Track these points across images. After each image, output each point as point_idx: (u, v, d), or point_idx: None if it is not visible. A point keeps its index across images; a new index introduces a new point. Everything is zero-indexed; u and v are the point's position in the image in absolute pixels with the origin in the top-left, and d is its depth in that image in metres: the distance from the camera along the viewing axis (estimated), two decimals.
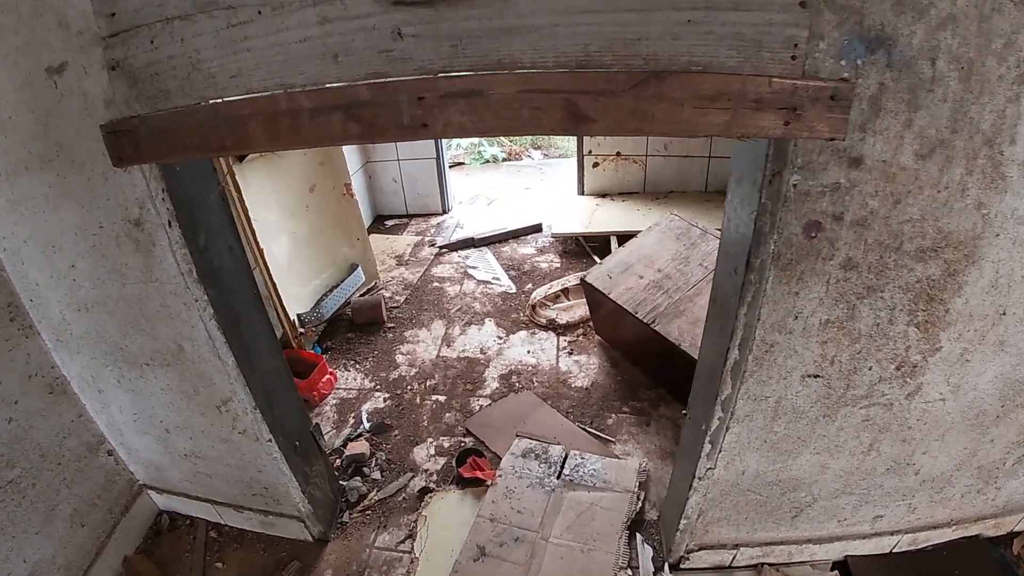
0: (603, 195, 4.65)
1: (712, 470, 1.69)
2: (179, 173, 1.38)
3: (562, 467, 2.45)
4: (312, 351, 3.19)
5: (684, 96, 1.04)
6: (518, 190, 5.42)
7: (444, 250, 4.29)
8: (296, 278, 3.27)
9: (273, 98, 1.12)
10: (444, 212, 4.93)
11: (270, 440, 1.81)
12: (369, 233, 4.55)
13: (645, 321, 2.60)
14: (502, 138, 6.56)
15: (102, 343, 1.75)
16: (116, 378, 1.84)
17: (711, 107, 1.05)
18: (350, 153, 4.47)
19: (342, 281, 3.48)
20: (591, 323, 3.32)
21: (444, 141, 4.79)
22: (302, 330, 3.15)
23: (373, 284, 3.84)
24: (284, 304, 2.95)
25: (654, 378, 2.92)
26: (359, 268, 3.61)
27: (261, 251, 2.79)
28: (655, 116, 1.06)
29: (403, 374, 3.08)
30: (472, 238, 4.32)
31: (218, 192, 1.53)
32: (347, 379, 3.08)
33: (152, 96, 1.20)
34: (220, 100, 1.16)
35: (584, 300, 3.43)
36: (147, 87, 1.19)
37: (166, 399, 1.90)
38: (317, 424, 2.07)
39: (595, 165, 4.60)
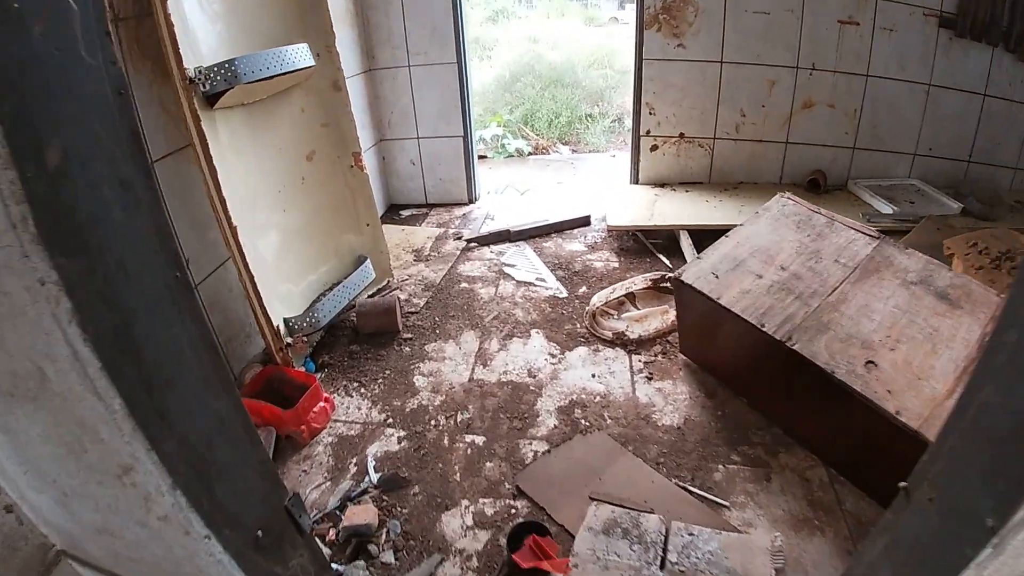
0: (661, 184, 3.87)
1: None
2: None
3: (665, 550, 1.65)
4: (302, 368, 2.42)
5: None
6: (550, 184, 4.65)
7: (473, 244, 3.52)
8: (285, 271, 2.51)
9: None
10: (471, 202, 4.16)
11: (207, 537, 1.03)
12: (382, 224, 3.80)
13: (778, 338, 1.81)
14: (528, 131, 5.83)
15: None
16: None
17: None
18: (361, 130, 3.73)
19: (345, 278, 2.71)
20: (670, 338, 2.53)
21: (472, 139, 4.03)
22: (290, 340, 2.37)
23: (385, 283, 3.07)
24: (265, 305, 2.19)
25: (768, 413, 2.12)
26: (368, 262, 2.84)
27: (234, 230, 2.02)
28: None
29: (424, 403, 2.30)
30: (508, 230, 3.54)
31: (108, 63, 0.76)
32: (348, 408, 2.30)
33: None
34: None
35: (658, 308, 2.64)
36: None
37: (48, 451, 1.13)
38: (296, 495, 1.28)
39: (653, 148, 3.83)
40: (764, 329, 1.84)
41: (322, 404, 2.22)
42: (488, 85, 6.73)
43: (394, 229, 3.72)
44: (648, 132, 3.79)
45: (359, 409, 2.30)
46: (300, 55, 2.39)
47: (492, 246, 3.49)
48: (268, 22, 2.39)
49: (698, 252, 3.01)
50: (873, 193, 3.53)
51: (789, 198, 2.36)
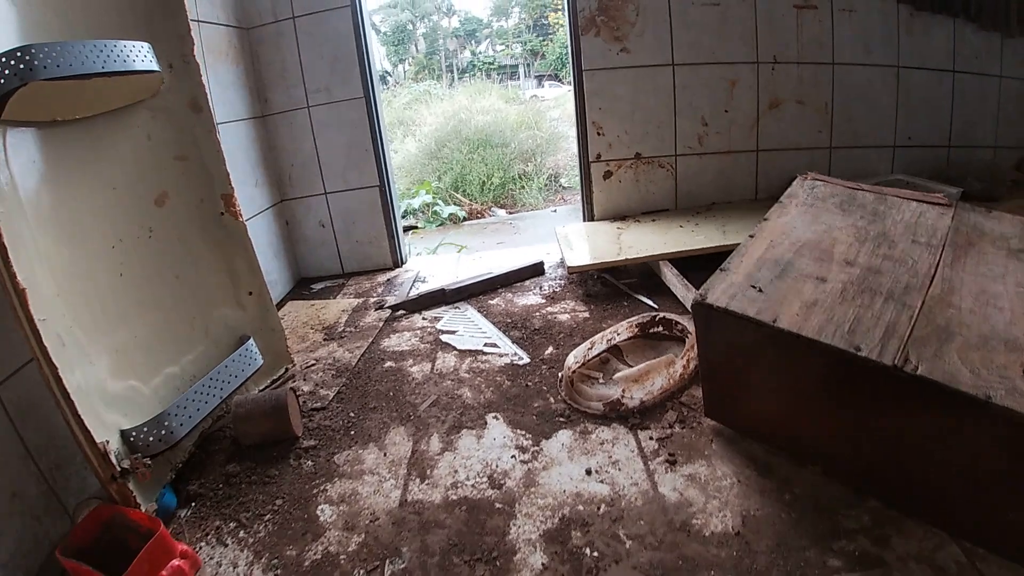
0: (622, 217, 3.24)
1: None
2: None
3: None
4: (153, 505, 1.52)
5: None
6: (490, 245, 4.00)
7: (400, 312, 2.73)
8: (125, 362, 1.65)
9: None
10: (397, 265, 3.40)
11: None
12: (287, 301, 2.99)
13: (886, 363, 1.08)
14: (460, 196, 5.28)
15: None
16: None
17: None
18: (256, 188, 2.99)
19: (218, 365, 1.87)
20: (684, 398, 1.78)
21: (393, 189, 3.36)
22: (125, 465, 1.49)
23: (283, 372, 2.23)
24: (82, 413, 1.33)
25: (856, 478, 1.36)
26: (251, 344, 2.01)
27: (22, 295, 1.21)
28: None
29: (333, 549, 1.42)
30: (443, 290, 2.78)
31: None
32: (220, 564, 1.41)
33: None
34: None
35: (658, 360, 1.89)
36: None
37: None
38: None
39: (607, 175, 3.22)
40: (861, 353, 1.11)
41: (176, 563, 1.33)
42: (413, 156, 6.27)
43: (301, 306, 2.91)
44: (599, 156, 3.19)
45: (235, 567, 1.41)
46: (138, 54, 1.67)
47: (425, 311, 2.71)
48: (99, 13, 1.68)
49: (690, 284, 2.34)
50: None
51: (815, 177, 1.72)
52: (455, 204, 5.09)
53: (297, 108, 3.14)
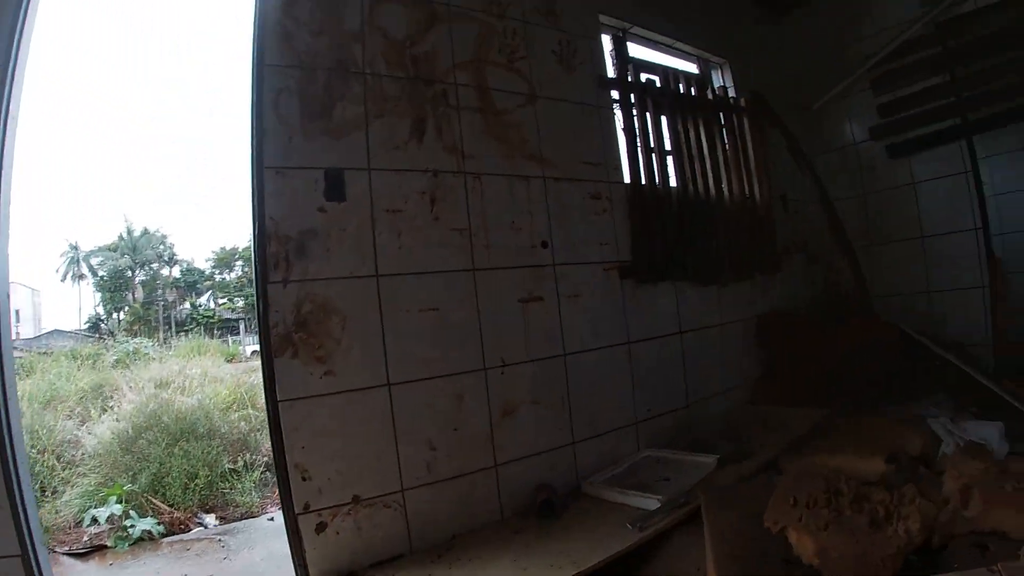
0: (350, 573, 2.52)
1: None
2: None
3: None
4: None
5: None
6: None
7: None
8: None
9: None
10: None
11: None
12: None
13: None
14: (158, 501, 4.19)
15: None
16: None
17: None
18: None
19: None
20: None
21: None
22: None
23: None
24: None
25: None
26: None
27: None
28: None
29: None
30: None
31: None
32: None
33: None
34: None
35: None
36: None
37: None
38: None
39: (320, 528, 2.49)
40: None
41: None
42: (107, 444, 5.04)
43: None
44: (307, 507, 2.45)
45: None
46: None
47: None
48: None
49: None
50: (621, 489, 2.76)
51: None
52: (152, 513, 4.02)
53: None
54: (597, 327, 3.08)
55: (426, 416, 2.61)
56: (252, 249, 2.52)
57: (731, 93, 4.32)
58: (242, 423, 5.65)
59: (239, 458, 5.06)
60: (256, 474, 4.83)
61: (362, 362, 2.51)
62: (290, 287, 2.40)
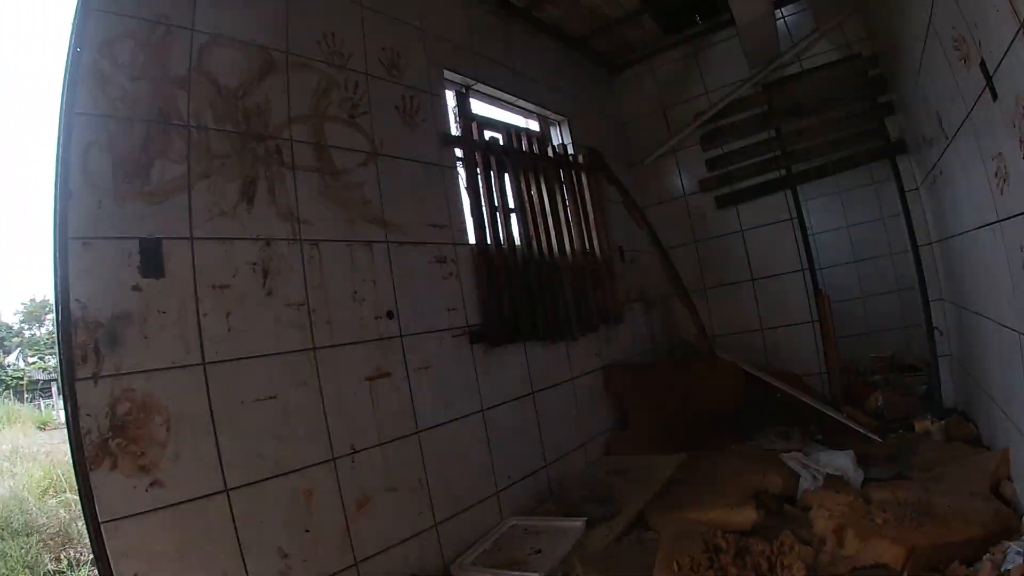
0: None
1: None
2: None
3: None
4: None
5: None
6: None
7: None
8: None
9: None
10: None
11: None
12: None
13: None
14: None
15: None
16: None
17: None
18: None
19: None
20: None
21: None
22: None
23: None
24: None
25: None
26: None
27: None
28: None
29: None
30: None
31: None
32: None
33: None
34: None
35: None
36: None
37: None
38: None
39: None
40: None
41: None
42: None
43: None
44: None
45: None
46: None
47: None
48: None
49: None
50: (493, 571, 2.61)
51: None
52: None
53: None
54: (450, 398, 2.94)
55: (274, 520, 2.26)
56: (56, 339, 2.06)
57: (570, 150, 4.48)
58: (61, 511, 4.62)
59: (62, 555, 4.17)
60: (84, 572, 3.99)
61: (194, 467, 2.11)
62: (103, 384, 1.97)
